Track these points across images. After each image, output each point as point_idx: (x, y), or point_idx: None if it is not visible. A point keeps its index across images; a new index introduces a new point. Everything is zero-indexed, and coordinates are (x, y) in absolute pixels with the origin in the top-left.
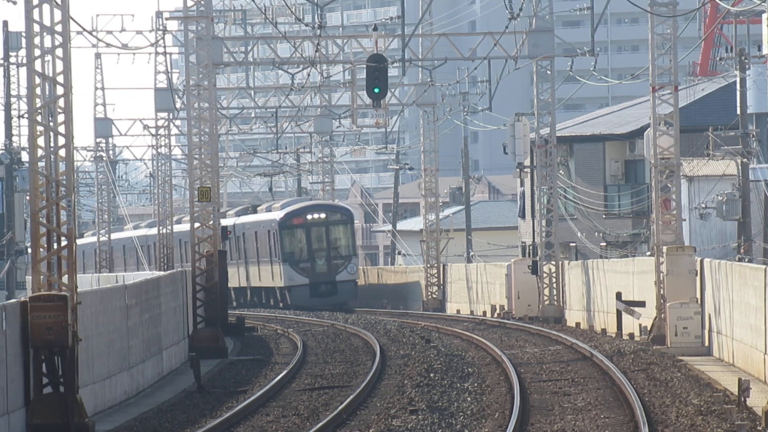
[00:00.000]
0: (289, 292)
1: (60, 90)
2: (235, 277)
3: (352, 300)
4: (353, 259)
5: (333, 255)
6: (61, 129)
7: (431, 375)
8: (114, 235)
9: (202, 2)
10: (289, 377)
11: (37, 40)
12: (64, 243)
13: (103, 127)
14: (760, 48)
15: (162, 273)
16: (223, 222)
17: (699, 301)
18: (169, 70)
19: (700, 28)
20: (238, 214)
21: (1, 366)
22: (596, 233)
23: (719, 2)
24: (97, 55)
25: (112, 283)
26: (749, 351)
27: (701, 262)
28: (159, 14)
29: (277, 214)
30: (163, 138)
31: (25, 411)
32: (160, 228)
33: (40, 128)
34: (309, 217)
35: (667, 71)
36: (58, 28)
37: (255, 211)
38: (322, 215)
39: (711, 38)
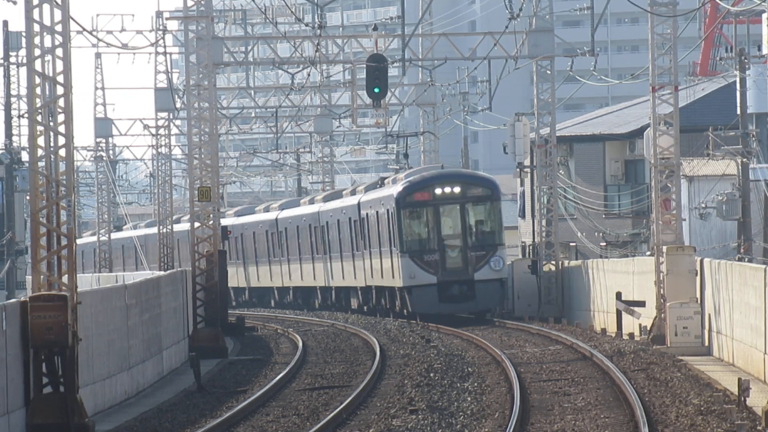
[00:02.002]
0: (409, 294)
1: (60, 90)
2: (321, 275)
3: (497, 306)
4: (499, 250)
5: (471, 244)
6: (61, 129)
7: (431, 375)
8: (121, 234)
9: (202, 2)
10: (289, 377)
11: (37, 40)
12: (64, 243)
13: (103, 127)
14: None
15: (162, 273)
16: (300, 210)
17: (699, 301)
18: (169, 70)
19: (700, 28)
20: (326, 200)
21: (1, 366)
22: (596, 233)
23: (719, 2)
24: (97, 55)
25: (112, 283)
26: (749, 351)
27: (701, 262)
28: (159, 14)
29: (394, 189)
30: (163, 138)
31: (25, 411)
32: (162, 227)
33: (40, 128)
34: (438, 191)
35: (667, 71)
36: (58, 28)
37: (340, 196)
38: (456, 188)
39: (711, 38)
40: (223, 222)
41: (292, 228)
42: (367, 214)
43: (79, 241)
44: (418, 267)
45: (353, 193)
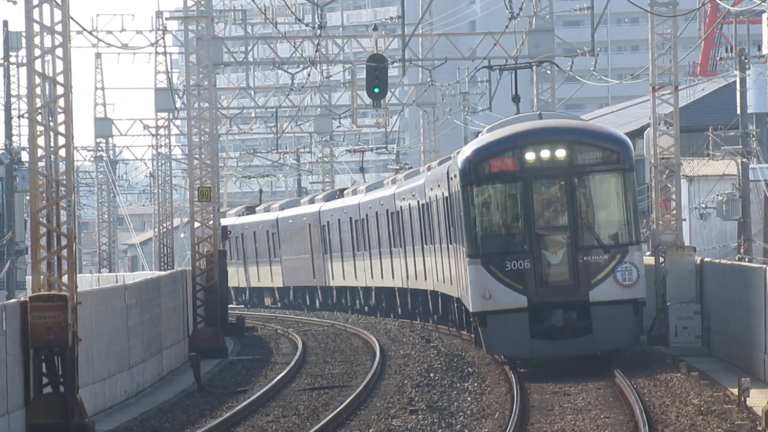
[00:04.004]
0: (482, 325)
1: (60, 90)
2: (362, 274)
3: (631, 344)
4: (631, 253)
5: (584, 243)
6: (61, 129)
7: (431, 375)
8: (254, 217)
9: (202, 2)
10: (289, 377)
11: (37, 40)
12: (64, 243)
13: (103, 127)
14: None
15: (162, 273)
16: (341, 203)
17: (699, 301)
18: (169, 70)
19: (700, 28)
20: (368, 189)
21: (1, 366)
22: None
23: (719, 2)
24: (97, 55)
25: (112, 283)
26: (749, 351)
27: (701, 262)
28: (159, 14)
29: (459, 157)
30: (163, 138)
31: (25, 411)
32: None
33: (40, 128)
34: (530, 155)
35: (667, 71)
36: (58, 28)
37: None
38: (561, 151)
39: (711, 38)
40: (271, 216)
41: (334, 222)
42: (427, 203)
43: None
44: (496, 280)
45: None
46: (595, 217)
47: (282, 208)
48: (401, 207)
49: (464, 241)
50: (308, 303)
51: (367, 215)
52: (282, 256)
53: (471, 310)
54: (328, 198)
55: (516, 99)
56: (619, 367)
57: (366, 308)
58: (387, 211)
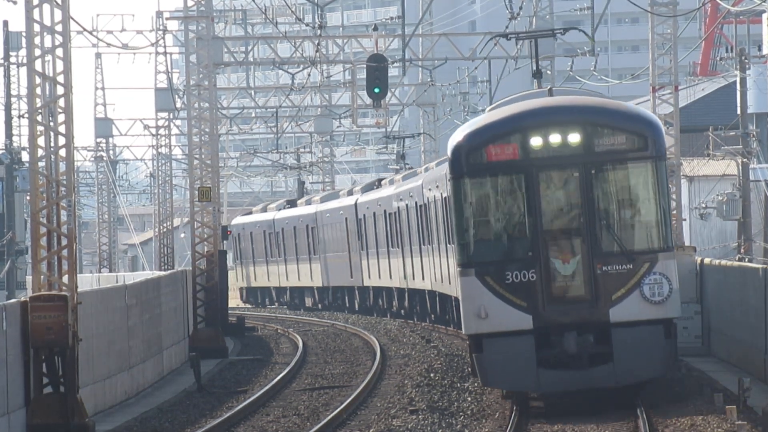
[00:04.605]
0: (477, 351)
1: (60, 90)
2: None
3: (660, 374)
4: (661, 262)
5: (603, 249)
6: (61, 129)
7: (431, 375)
8: (295, 211)
9: (202, 2)
10: (290, 377)
11: (37, 40)
12: (64, 243)
13: (103, 127)
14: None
15: (162, 273)
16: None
17: (699, 301)
18: (170, 70)
19: (700, 28)
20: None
21: (1, 366)
22: None
23: (719, 2)
24: (97, 55)
25: (112, 283)
26: (749, 351)
27: (701, 262)
28: (159, 14)
29: (452, 141)
30: (163, 138)
31: (25, 411)
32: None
33: (40, 128)
34: (536, 141)
35: (667, 71)
36: (58, 28)
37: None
38: (574, 135)
39: (711, 38)
40: (310, 210)
41: (369, 215)
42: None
43: (242, 220)
44: (494, 295)
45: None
46: (617, 217)
47: (323, 200)
48: (428, 198)
49: (455, 246)
50: (347, 304)
51: (398, 208)
52: (321, 254)
53: (463, 332)
54: (366, 189)
55: (537, 75)
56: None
57: (402, 311)
58: (416, 204)
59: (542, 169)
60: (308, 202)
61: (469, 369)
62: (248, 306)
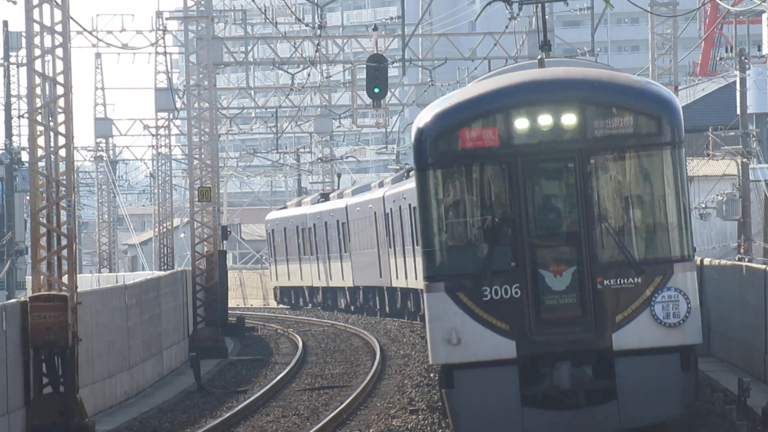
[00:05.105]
0: (448, 385)
1: (60, 90)
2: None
3: (678, 414)
4: (676, 274)
5: (604, 258)
6: (61, 129)
7: (431, 375)
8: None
9: (202, 2)
10: (289, 377)
11: (37, 40)
12: (64, 243)
13: (103, 127)
14: (760, 48)
15: (162, 273)
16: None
17: (699, 302)
18: (169, 70)
19: (700, 28)
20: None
21: (1, 366)
22: None
23: (719, 2)
24: (97, 55)
25: (112, 283)
26: (749, 351)
27: (701, 261)
28: (159, 14)
29: (415, 126)
30: (163, 138)
31: (25, 411)
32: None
33: (40, 128)
34: (521, 124)
35: (667, 71)
36: (58, 28)
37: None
38: (571, 117)
39: (711, 38)
40: (341, 204)
41: (396, 209)
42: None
43: (275, 215)
44: (468, 316)
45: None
46: (622, 219)
47: (354, 193)
48: None
49: (421, 254)
50: (378, 307)
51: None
52: (351, 251)
53: (430, 361)
54: (396, 180)
55: (545, 46)
56: None
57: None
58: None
59: (529, 158)
60: (340, 196)
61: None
62: (284, 307)
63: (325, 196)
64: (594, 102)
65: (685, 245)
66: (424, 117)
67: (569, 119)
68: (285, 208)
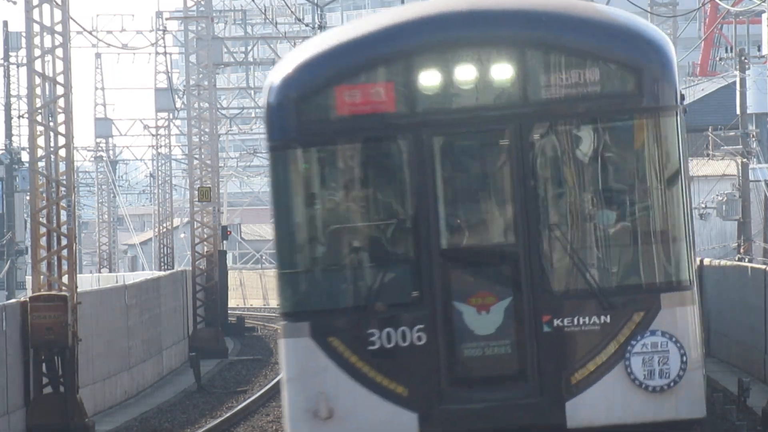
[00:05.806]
0: None
1: (60, 90)
2: None
3: None
4: (663, 311)
5: (551, 287)
6: (61, 129)
7: None
8: None
9: (202, 2)
10: None
11: (37, 40)
12: (64, 243)
13: (103, 127)
14: (760, 48)
15: (162, 273)
16: None
17: (699, 301)
18: (169, 70)
19: (700, 28)
20: None
21: (1, 366)
22: None
23: (719, 2)
24: (97, 55)
25: (112, 283)
26: (749, 351)
27: (701, 262)
28: (159, 14)
29: (267, 83)
30: (163, 138)
31: (25, 411)
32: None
33: (40, 128)
34: (429, 78)
35: None
36: (58, 28)
37: None
38: (506, 68)
39: (711, 38)
40: None
41: None
42: None
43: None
44: (345, 373)
45: None
46: (583, 225)
47: None
48: None
49: (276, 276)
50: None
51: None
52: None
53: None
54: None
55: None
56: None
57: None
58: None
59: (441, 131)
60: None
61: None
62: None
63: None
64: (542, 44)
65: (681, 266)
66: (282, 69)
67: (503, 71)
68: None
